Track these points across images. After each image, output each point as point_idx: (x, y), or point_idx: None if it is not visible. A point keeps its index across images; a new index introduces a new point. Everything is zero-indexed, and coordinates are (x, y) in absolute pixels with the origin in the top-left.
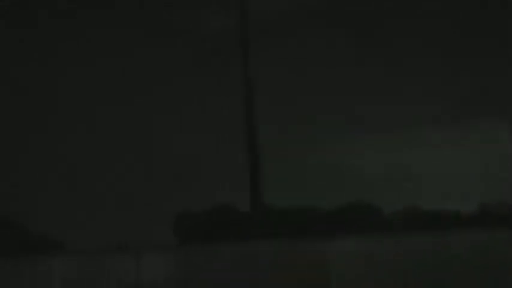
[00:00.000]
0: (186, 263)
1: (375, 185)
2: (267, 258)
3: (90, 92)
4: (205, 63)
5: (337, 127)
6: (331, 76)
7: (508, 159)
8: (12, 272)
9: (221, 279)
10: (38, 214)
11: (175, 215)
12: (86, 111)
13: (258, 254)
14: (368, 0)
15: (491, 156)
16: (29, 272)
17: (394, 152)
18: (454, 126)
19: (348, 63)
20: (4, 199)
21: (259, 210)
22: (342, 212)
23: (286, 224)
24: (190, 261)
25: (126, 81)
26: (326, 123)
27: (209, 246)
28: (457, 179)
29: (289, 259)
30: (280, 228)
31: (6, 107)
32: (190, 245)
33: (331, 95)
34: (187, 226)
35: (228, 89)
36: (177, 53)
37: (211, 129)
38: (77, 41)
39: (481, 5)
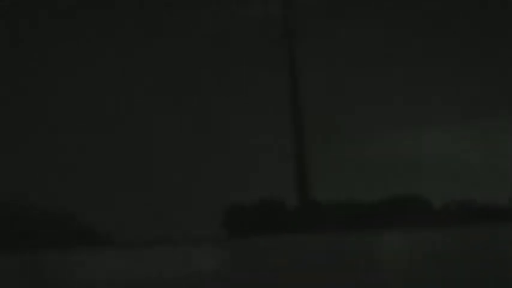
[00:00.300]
0: (235, 257)
1: (425, 178)
2: (316, 251)
3: (137, 85)
4: (251, 52)
5: (387, 118)
6: (381, 65)
7: None
8: (63, 264)
9: (269, 272)
10: (90, 207)
11: (224, 209)
12: (134, 105)
13: (307, 248)
14: None
15: None
16: (79, 264)
17: (445, 144)
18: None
19: (399, 50)
20: (55, 193)
21: (308, 204)
22: (391, 205)
23: (335, 218)
24: (239, 255)
25: (173, 75)
26: (375, 115)
27: (258, 239)
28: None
29: (339, 253)
30: (329, 222)
31: (59, 101)
32: (239, 239)
33: (380, 85)
34: (236, 220)
35: (275, 81)
36: (223, 42)
37: (260, 122)
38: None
39: None
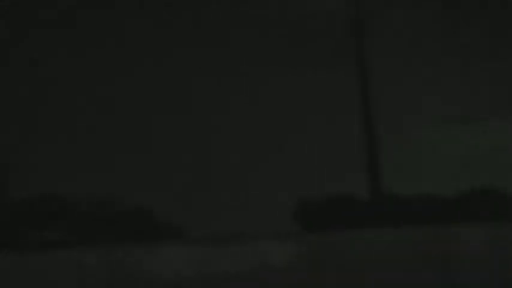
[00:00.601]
0: (306, 252)
1: (498, 171)
2: (387, 247)
3: (204, 82)
4: (317, 45)
5: (458, 111)
6: (450, 57)
7: None
8: (136, 259)
9: (340, 267)
10: (164, 204)
11: (295, 204)
12: (204, 102)
13: (378, 243)
14: None
15: None
16: (154, 260)
17: None
18: None
19: (472, 43)
20: (131, 190)
21: (379, 199)
22: (464, 199)
23: (406, 212)
24: (311, 250)
25: (240, 71)
26: (446, 107)
27: (329, 234)
28: None
29: (412, 248)
30: (401, 217)
31: (131, 102)
32: (310, 234)
33: (451, 77)
34: (307, 215)
35: (342, 76)
36: (289, 35)
37: (329, 117)
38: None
39: None
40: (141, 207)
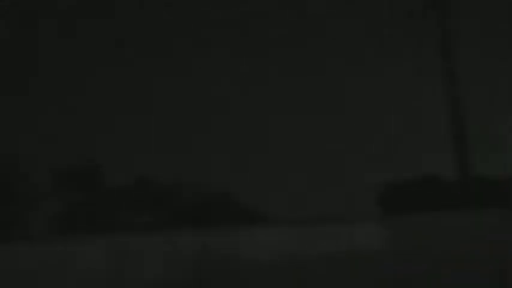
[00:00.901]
0: (393, 234)
1: None
2: (473, 228)
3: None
4: (404, 28)
5: None
6: None
7: None
8: (227, 242)
9: (427, 249)
10: (253, 187)
11: (381, 186)
12: (268, 84)
13: (465, 224)
14: None
15: None
16: (244, 242)
17: None
18: None
19: None
20: (221, 174)
21: (466, 180)
22: None
23: (494, 193)
24: (397, 232)
25: (319, 52)
26: None
27: (415, 216)
28: None
29: (501, 229)
30: (489, 198)
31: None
32: (397, 216)
33: None
34: (394, 197)
35: (428, 57)
36: (375, 18)
37: (415, 97)
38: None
39: None
40: (231, 192)
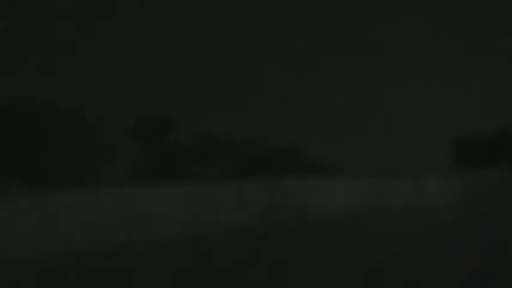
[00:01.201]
0: (462, 187)
1: None
2: None
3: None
4: None
5: None
6: None
7: None
8: (291, 191)
9: (493, 199)
10: (321, 142)
11: (453, 141)
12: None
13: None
14: None
15: None
16: (310, 190)
17: None
18: None
19: None
20: (286, 130)
21: None
22: None
23: None
24: (468, 186)
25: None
26: None
27: (484, 170)
28: None
29: None
30: None
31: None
32: (468, 170)
33: None
34: (466, 151)
35: None
36: None
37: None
38: None
39: None
40: (297, 146)
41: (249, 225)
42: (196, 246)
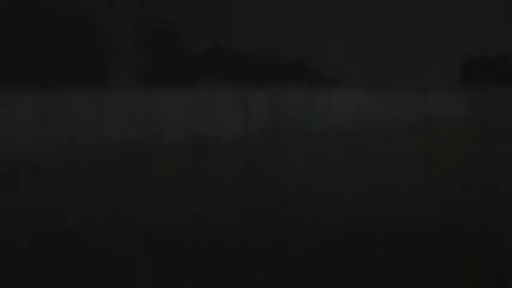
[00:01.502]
0: (470, 104)
1: None
2: None
3: None
4: None
5: None
6: None
7: None
8: (295, 101)
9: (499, 121)
10: (332, 55)
11: (463, 59)
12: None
13: None
14: None
15: None
16: (316, 102)
17: None
18: None
19: None
20: (294, 41)
21: None
22: None
23: None
24: (476, 102)
25: None
26: None
27: (493, 88)
28: None
29: None
30: None
31: None
32: (476, 87)
33: None
34: (474, 69)
35: None
36: None
37: None
38: None
39: None
40: (306, 58)
41: (251, 134)
42: (198, 149)
